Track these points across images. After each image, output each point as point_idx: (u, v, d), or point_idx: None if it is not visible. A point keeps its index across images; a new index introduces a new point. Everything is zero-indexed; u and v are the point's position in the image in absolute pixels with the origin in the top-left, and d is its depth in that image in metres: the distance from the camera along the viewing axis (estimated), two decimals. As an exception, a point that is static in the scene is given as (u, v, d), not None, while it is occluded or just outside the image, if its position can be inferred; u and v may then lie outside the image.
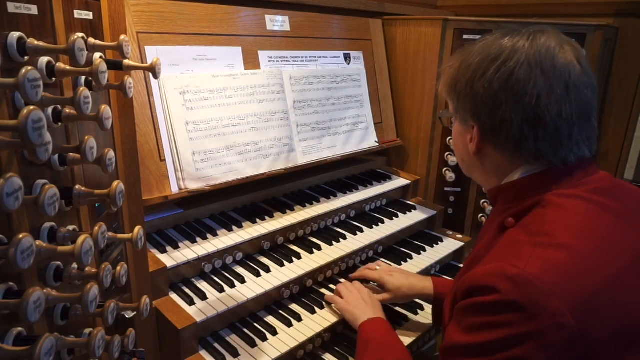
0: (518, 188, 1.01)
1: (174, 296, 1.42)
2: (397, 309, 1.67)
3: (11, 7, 0.73)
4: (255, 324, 1.47)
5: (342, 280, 1.72)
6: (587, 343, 0.79)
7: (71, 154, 0.84)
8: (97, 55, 0.91)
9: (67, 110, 0.82)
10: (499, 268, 0.85)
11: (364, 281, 1.65)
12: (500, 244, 0.96)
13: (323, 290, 1.66)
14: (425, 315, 1.66)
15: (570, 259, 0.85)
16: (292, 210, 1.82)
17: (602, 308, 0.82)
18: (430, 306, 1.59)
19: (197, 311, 1.37)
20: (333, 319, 1.52)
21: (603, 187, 0.98)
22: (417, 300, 1.72)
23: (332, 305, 1.57)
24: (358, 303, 1.47)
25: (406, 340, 1.52)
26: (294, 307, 1.58)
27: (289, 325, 1.48)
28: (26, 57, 0.73)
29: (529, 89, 0.93)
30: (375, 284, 1.63)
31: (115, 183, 0.89)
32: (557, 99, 0.93)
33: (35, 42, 0.74)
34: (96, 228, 0.83)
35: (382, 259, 1.89)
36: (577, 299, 0.80)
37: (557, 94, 0.93)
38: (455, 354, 0.90)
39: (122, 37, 0.95)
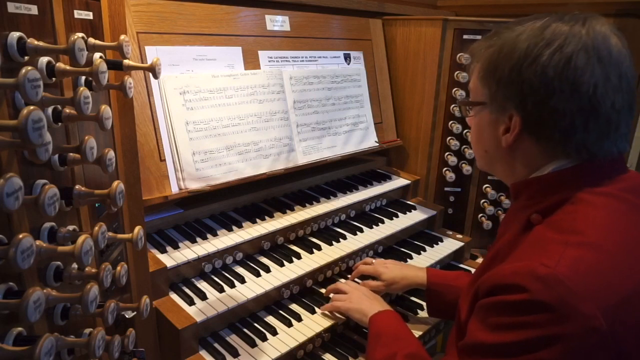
0: (547, 183, 0.96)
1: (174, 296, 1.42)
2: (398, 308, 1.67)
3: (11, 7, 0.73)
4: (255, 324, 1.47)
5: (342, 280, 1.72)
6: (618, 348, 0.77)
7: (71, 154, 0.84)
8: (97, 55, 0.91)
9: (67, 110, 0.82)
10: (527, 267, 0.82)
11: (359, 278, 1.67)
12: (526, 242, 0.92)
13: (323, 290, 1.66)
14: (425, 315, 1.65)
15: (603, 260, 0.81)
16: (292, 210, 1.82)
17: (635, 311, 0.79)
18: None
19: (197, 311, 1.37)
20: (333, 319, 1.52)
21: (634, 186, 0.94)
22: (417, 300, 1.72)
23: (333, 311, 1.53)
24: (362, 300, 1.46)
25: (406, 340, 1.52)
26: (294, 307, 1.57)
27: (289, 325, 1.48)
28: (26, 57, 0.74)
29: (586, 77, 0.87)
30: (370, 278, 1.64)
31: (115, 183, 0.89)
32: (613, 89, 0.88)
33: (35, 42, 0.74)
34: (96, 228, 0.83)
35: (382, 259, 1.89)
36: (610, 302, 0.77)
37: (612, 84, 0.88)
38: (477, 353, 0.87)
39: (122, 37, 0.95)
